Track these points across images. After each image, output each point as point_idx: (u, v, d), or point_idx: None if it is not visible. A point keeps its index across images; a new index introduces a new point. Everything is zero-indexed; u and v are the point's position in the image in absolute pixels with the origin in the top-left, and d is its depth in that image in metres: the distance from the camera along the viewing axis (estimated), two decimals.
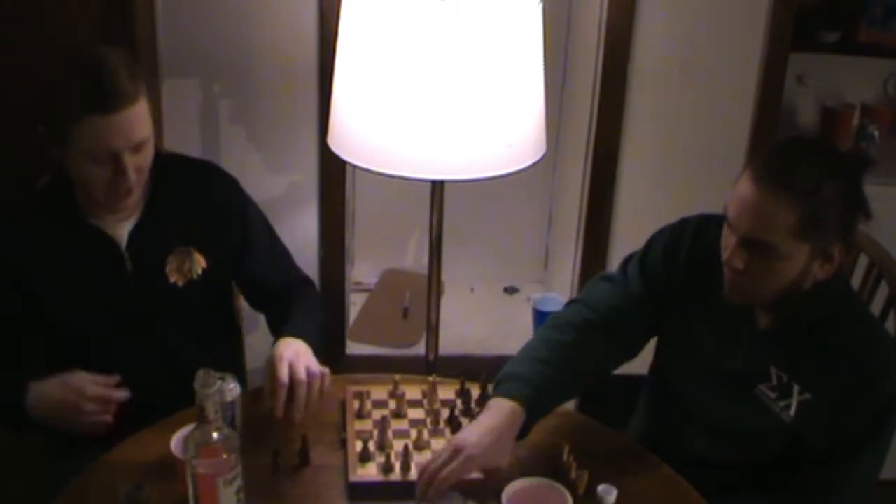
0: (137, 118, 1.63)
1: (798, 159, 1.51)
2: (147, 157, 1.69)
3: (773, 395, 1.61)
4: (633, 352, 1.78)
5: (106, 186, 1.66)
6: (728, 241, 1.55)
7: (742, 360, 1.65)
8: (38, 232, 1.74)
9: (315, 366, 1.67)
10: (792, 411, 1.59)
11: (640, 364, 1.98)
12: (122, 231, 1.77)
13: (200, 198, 1.84)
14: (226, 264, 1.87)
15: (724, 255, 1.55)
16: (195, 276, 1.82)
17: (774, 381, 1.61)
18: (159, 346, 1.83)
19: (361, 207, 2.82)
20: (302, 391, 1.62)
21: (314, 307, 1.92)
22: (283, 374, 1.62)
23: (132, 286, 1.78)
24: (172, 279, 1.81)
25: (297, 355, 1.66)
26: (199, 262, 1.83)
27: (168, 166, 1.80)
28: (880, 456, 1.59)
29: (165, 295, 1.80)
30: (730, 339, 1.66)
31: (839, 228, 1.51)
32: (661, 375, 1.83)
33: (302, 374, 1.63)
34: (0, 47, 2.27)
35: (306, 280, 2.02)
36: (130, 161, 1.64)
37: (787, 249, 1.49)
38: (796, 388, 1.59)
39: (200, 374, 1.38)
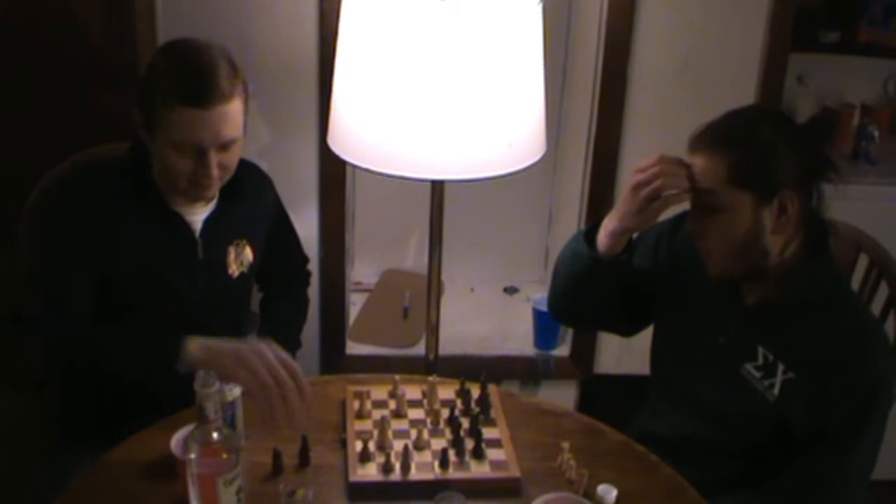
0: (229, 117, 1.65)
1: (719, 120, 1.60)
2: (234, 157, 1.71)
3: (758, 374, 1.63)
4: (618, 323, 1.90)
5: (186, 177, 1.68)
6: None
7: (730, 337, 1.68)
8: (119, 209, 1.73)
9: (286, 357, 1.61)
10: (776, 391, 1.60)
11: (639, 364, 1.99)
12: (198, 218, 1.80)
13: (254, 194, 1.90)
14: (263, 259, 1.93)
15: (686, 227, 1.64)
16: (245, 269, 1.87)
17: (760, 360, 1.63)
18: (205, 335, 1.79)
19: (361, 207, 2.82)
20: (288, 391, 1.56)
21: (297, 315, 2.08)
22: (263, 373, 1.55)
23: (201, 274, 1.81)
24: (230, 269, 1.85)
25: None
26: (249, 255, 1.88)
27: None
28: (873, 446, 1.59)
29: (225, 285, 1.85)
30: (719, 316, 1.69)
31: (783, 175, 1.54)
32: (657, 361, 1.85)
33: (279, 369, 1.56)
34: (0, 47, 2.27)
35: (302, 268, 2.14)
36: (215, 158, 1.66)
37: (727, 198, 1.55)
38: (780, 368, 1.61)
39: (201, 374, 1.38)
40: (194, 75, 1.62)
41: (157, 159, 1.71)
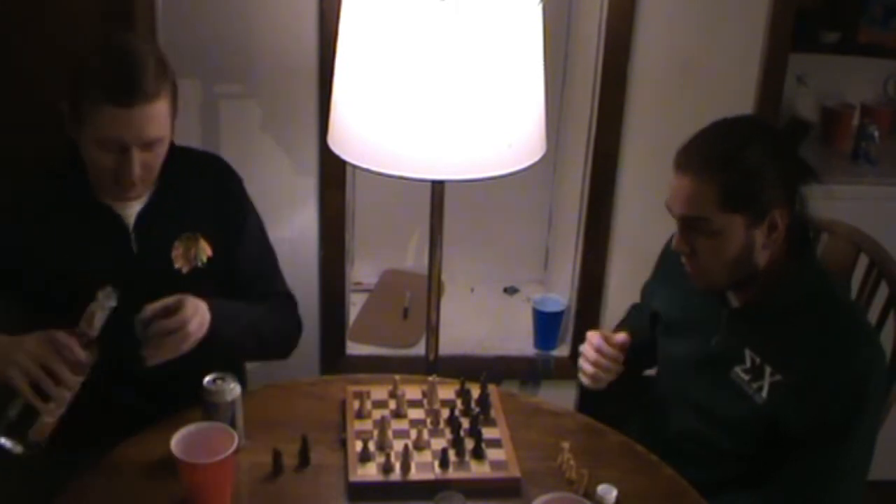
0: (153, 117, 1.63)
1: (709, 138, 1.59)
2: (157, 156, 1.70)
3: (746, 377, 1.64)
4: None
5: (110, 174, 1.67)
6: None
7: (720, 342, 1.69)
8: (49, 209, 1.74)
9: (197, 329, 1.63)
10: (764, 393, 1.61)
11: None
12: (131, 211, 1.78)
13: (209, 188, 1.86)
14: (228, 256, 1.87)
15: (673, 243, 1.64)
16: (200, 264, 1.82)
17: (748, 363, 1.64)
18: None
19: (361, 207, 2.81)
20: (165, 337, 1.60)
21: (267, 315, 1.87)
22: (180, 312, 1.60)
23: (136, 268, 1.78)
24: (177, 265, 1.81)
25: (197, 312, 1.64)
26: (205, 250, 1.83)
27: (180, 155, 1.80)
28: (867, 442, 1.60)
29: (169, 280, 1.79)
30: (709, 321, 1.70)
31: (773, 194, 1.55)
32: (657, 364, 1.86)
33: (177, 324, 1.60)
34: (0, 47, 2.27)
35: (288, 294, 1.98)
36: (138, 157, 1.65)
37: (720, 223, 1.55)
38: (768, 370, 1.61)
39: (108, 289, 1.48)
40: (119, 74, 1.61)
41: (83, 154, 1.70)
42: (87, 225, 1.76)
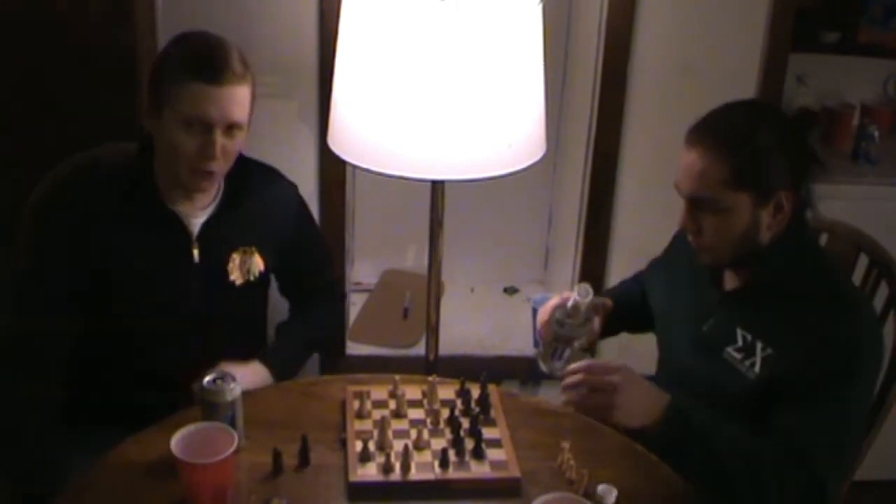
0: (238, 98, 1.68)
1: (722, 117, 1.62)
2: (236, 144, 1.73)
3: (739, 355, 1.65)
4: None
5: (191, 159, 1.69)
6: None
7: (713, 324, 1.71)
8: (115, 208, 1.75)
9: None
10: (757, 368, 1.62)
11: (639, 364, 1.98)
12: (197, 221, 1.79)
13: (267, 201, 1.88)
14: (277, 270, 1.92)
15: (679, 220, 1.66)
16: (252, 278, 1.85)
17: (740, 341, 1.65)
18: (203, 344, 1.79)
19: (361, 207, 2.82)
20: None
21: (318, 321, 2.02)
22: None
23: (195, 278, 1.80)
24: (232, 277, 1.83)
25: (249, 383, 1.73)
26: (258, 265, 1.86)
27: (243, 165, 1.82)
28: (860, 400, 1.60)
29: (223, 291, 1.82)
30: (703, 305, 1.73)
31: (782, 176, 1.57)
32: (659, 351, 1.89)
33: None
34: (0, 47, 2.27)
35: (337, 282, 2.14)
36: (220, 140, 1.68)
37: (728, 201, 1.57)
38: (759, 345, 1.62)
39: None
40: (208, 54, 1.66)
41: (162, 143, 1.71)
42: (153, 231, 1.77)
